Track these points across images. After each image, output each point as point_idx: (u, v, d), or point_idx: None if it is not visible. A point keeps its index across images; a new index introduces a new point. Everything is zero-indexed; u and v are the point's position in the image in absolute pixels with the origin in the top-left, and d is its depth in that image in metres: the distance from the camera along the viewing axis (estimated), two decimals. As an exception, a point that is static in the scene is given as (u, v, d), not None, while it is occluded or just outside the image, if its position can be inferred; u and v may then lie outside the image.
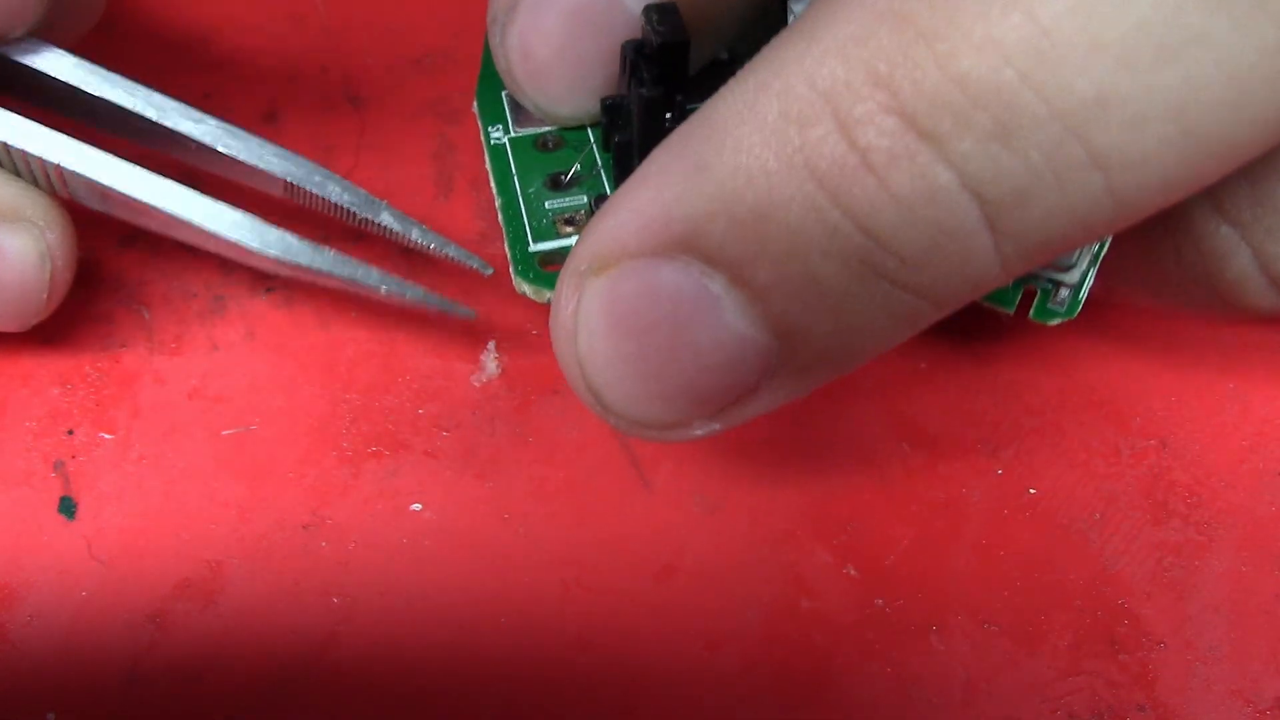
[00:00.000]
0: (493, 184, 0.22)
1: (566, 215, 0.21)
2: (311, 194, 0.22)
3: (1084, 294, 0.18)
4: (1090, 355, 0.24)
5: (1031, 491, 0.22)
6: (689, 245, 0.15)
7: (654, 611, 0.21)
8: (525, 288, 0.20)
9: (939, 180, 0.14)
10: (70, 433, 0.22)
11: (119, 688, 0.20)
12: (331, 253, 0.22)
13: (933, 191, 0.14)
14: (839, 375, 0.17)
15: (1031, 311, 0.18)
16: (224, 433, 0.22)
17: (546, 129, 0.22)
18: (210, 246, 0.22)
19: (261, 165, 0.22)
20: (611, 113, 0.21)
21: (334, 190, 0.22)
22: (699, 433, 0.17)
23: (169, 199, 0.21)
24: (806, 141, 0.14)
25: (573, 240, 0.20)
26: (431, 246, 0.22)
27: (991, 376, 0.24)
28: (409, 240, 0.22)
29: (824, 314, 0.15)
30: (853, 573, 0.21)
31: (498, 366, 0.23)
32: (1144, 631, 0.21)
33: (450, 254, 0.22)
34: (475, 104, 0.23)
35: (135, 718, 0.20)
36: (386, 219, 0.22)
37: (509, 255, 0.21)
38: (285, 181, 0.22)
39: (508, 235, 0.21)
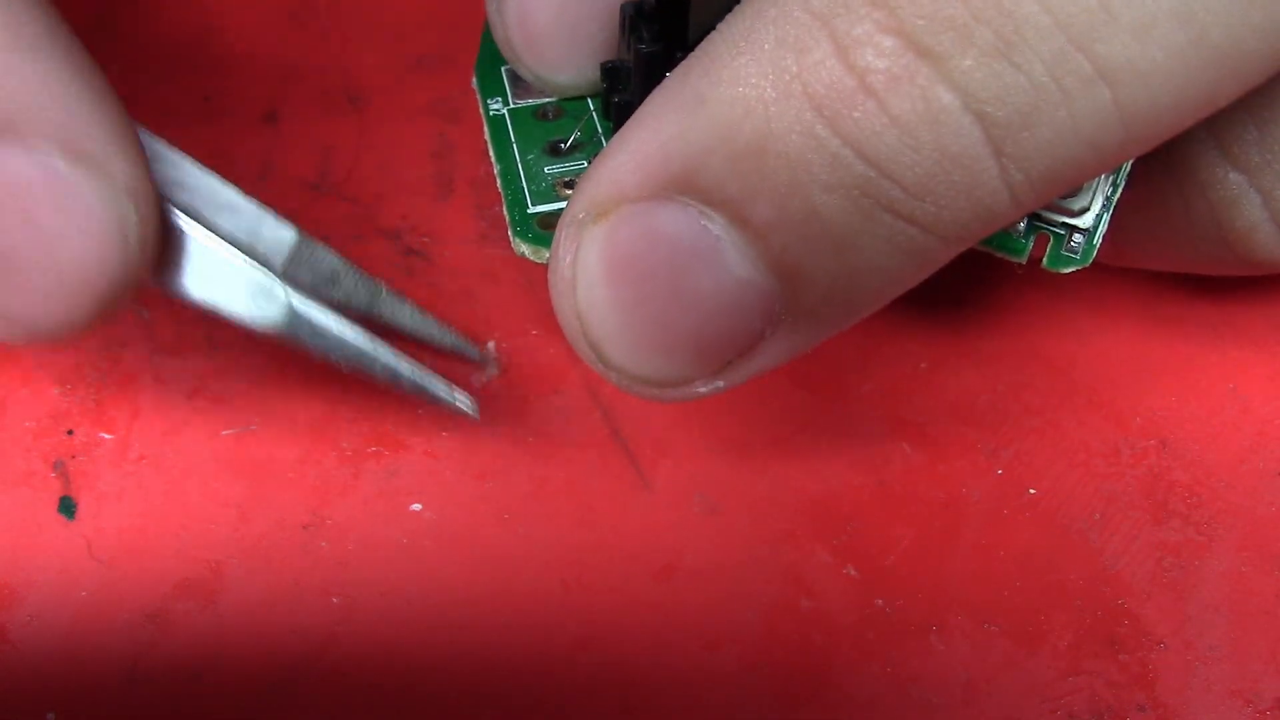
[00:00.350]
0: (491, 154, 0.21)
1: (566, 179, 0.21)
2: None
3: (1098, 239, 0.17)
4: (1091, 355, 0.24)
5: (1031, 491, 0.22)
6: (687, 184, 0.15)
7: (654, 611, 0.21)
8: (524, 248, 0.20)
9: (941, 101, 0.13)
10: (70, 433, 0.22)
11: (119, 688, 0.20)
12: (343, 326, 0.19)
13: (934, 114, 0.14)
14: (845, 324, 0.16)
15: (1045, 259, 0.18)
16: (224, 433, 0.22)
17: (546, 100, 0.22)
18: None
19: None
20: (611, 76, 0.21)
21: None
22: (702, 390, 0.17)
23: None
24: (804, 67, 0.14)
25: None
26: (430, 334, 0.21)
27: (991, 377, 0.24)
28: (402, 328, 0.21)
29: (827, 252, 0.15)
30: (853, 573, 0.21)
31: (498, 366, 0.23)
32: (1144, 631, 0.21)
33: (447, 343, 0.21)
34: (474, 79, 0.23)
35: (135, 718, 0.20)
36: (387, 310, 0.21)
37: (507, 218, 0.20)
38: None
39: (506, 199, 0.20)
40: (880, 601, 0.21)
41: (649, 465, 0.22)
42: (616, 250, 0.15)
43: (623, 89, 0.20)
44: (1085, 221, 0.17)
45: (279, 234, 0.19)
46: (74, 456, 0.22)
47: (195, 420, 0.23)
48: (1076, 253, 0.18)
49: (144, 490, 0.22)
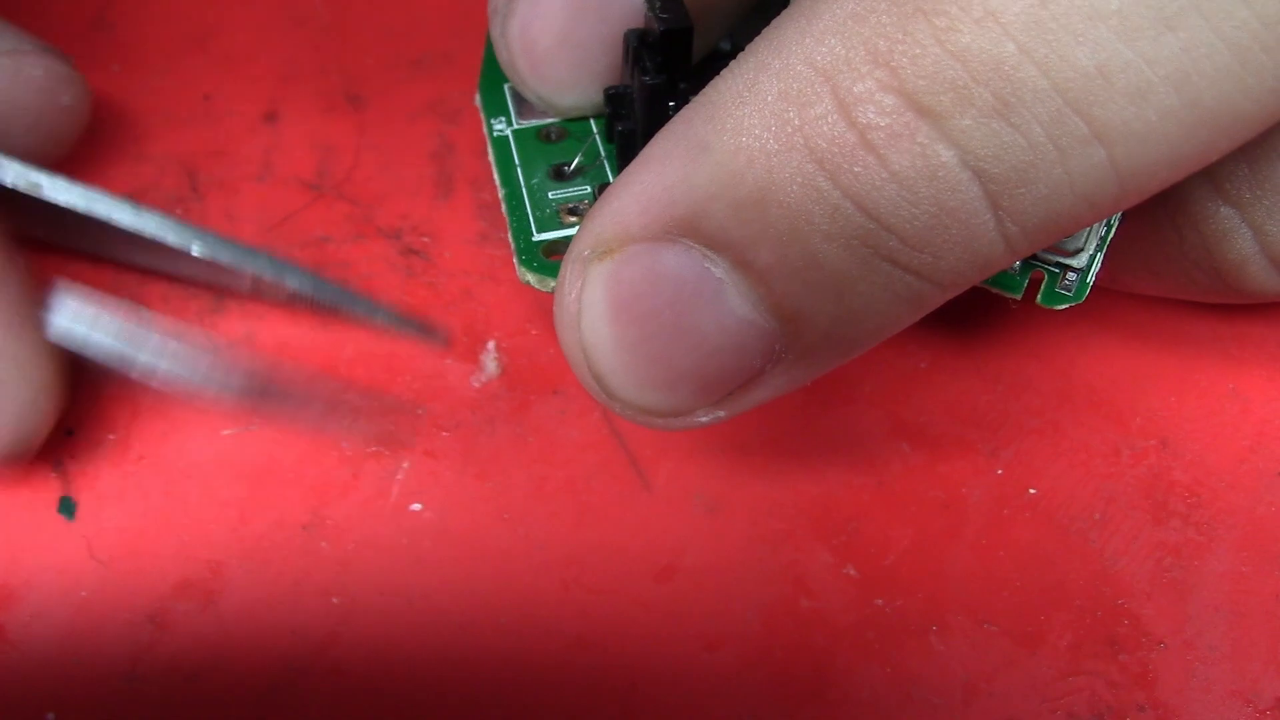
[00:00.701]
0: (496, 176, 0.22)
1: (570, 205, 0.21)
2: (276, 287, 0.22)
3: (1092, 278, 0.18)
4: (1090, 355, 0.24)
5: (1031, 491, 0.22)
6: (691, 228, 0.15)
7: (654, 611, 0.21)
8: (529, 277, 0.20)
9: (940, 158, 0.14)
10: (70, 433, 0.22)
11: (119, 688, 0.20)
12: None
13: (933, 170, 0.14)
14: (844, 360, 0.17)
15: (1039, 296, 0.18)
16: (224, 433, 0.22)
17: (550, 120, 0.22)
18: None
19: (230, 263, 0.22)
20: (615, 102, 0.21)
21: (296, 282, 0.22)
22: (704, 420, 0.17)
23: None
24: (806, 121, 0.14)
25: (576, 229, 0.20)
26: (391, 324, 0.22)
27: (991, 377, 0.24)
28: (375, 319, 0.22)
29: (827, 296, 0.15)
30: (853, 573, 0.21)
31: (498, 366, 0.23)
32: (1144, 631, 0.21)
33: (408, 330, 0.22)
34: (478, 97, 0.23)
35: (135, 718, 0.20)
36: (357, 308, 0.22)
37: (512, 245, 0.21)
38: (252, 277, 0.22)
39: (511, 225, 0.21)
40: (880, 601, 0.21)
41: (649, 465, 0.22)
42: (621, 288, 0.16)
43: (626, 116, 0.21)
44: (1079, 262, 0.18)
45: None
46: (74, 456, 0.22)
47: (195, 420, 0.23)
48: (1070, 291, 0.18)
49: (144, 490, 0.22)
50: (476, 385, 0.23)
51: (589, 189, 0.21)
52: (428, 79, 0.26)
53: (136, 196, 0.25)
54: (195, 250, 0.21)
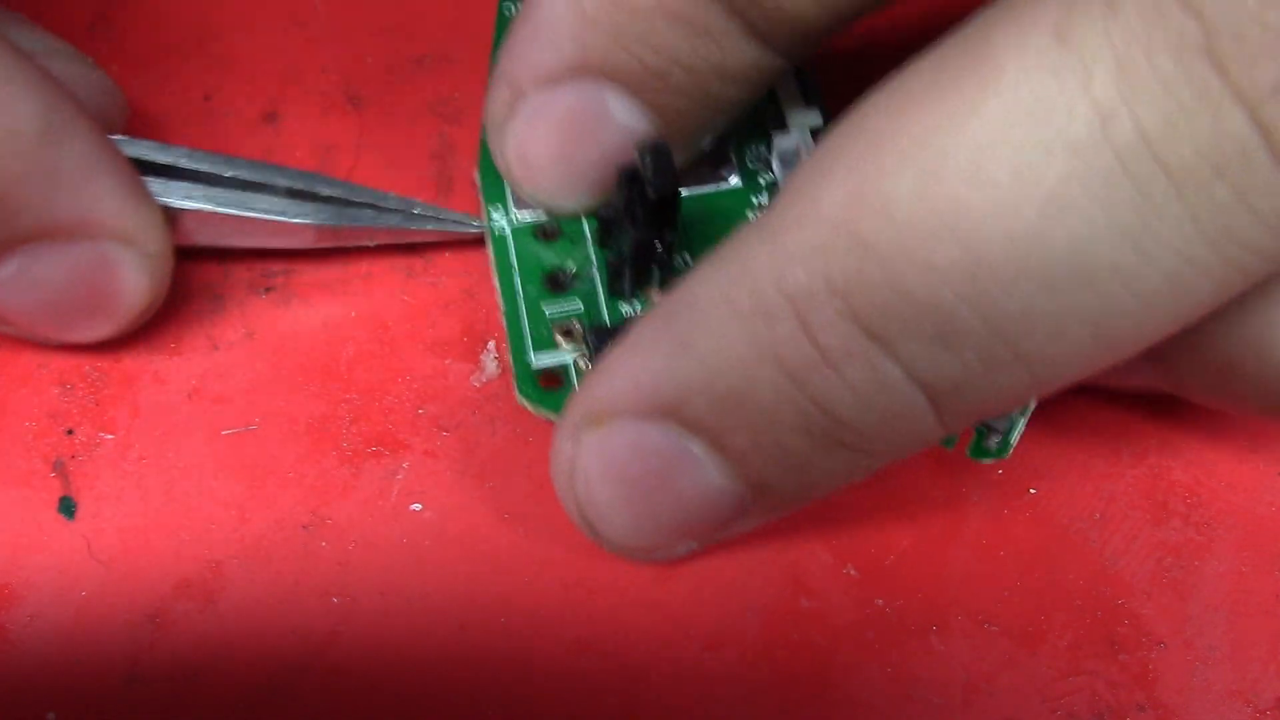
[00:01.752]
0: (495, 278, 0.23)
1: (564, 325, 0.22)
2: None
3: (1014, 438, 0.20)
4: (1090, 355, 0.24)
5: (1031, 491, 0.22)
6: (673, 412, 0.18)
7: (654, 611, 0.21)
8: (526, 404, 0.22)
9: (889, 374, 0.16)
10: (70, 433, 0.22)
11: (119, 688, 0.20)
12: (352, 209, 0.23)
13: (884, 383, 0.16)
14: (803, 506, 0.20)
15: (968, 450, 0.21)
16: (224, 433, 0.22)
17: (545, 219, 0.23)
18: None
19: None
20: (605, 225, 0.22)
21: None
22: (680, 552, 0.21)
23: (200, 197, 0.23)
24: (775, 338, 0.17)
25: (569, 356, 0.22)
26: (428, 219, 0.24)
27: (991, 376, 0.24)
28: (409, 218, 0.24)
29: (792, 472, 0.18)
30: (853, 573, 0.21)
31: (498, 366, 0.23)
32: (1144, 631, 0.21)
33: (446, 224, 0.24)
34: (477, 173, 0.24)
35: (135, 718, 0.20)
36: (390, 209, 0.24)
37: (511, 366, 0.22)
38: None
39: (510, 344, 0.22)
40: (880, 601, 0.21)
41: (649, 465, 0.22)
42: (609, 456, 0.19)
43: (615, 240, 0.22)
44: (1002, 425, 0.20)
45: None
46: (74, 456, 0.22)
47: (195, 420, 0.23)
48: (993, 449, 0.21)
49: (144, 490, 0.22)
50: (476, 385, 0.23)
51: (579, 304, 0.23)
52: (428, 79, 0.26)
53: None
54: (229, 172, 0.23)
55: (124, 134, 0.23)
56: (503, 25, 0.26)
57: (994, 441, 0.21)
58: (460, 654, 0.21)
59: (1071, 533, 0.22)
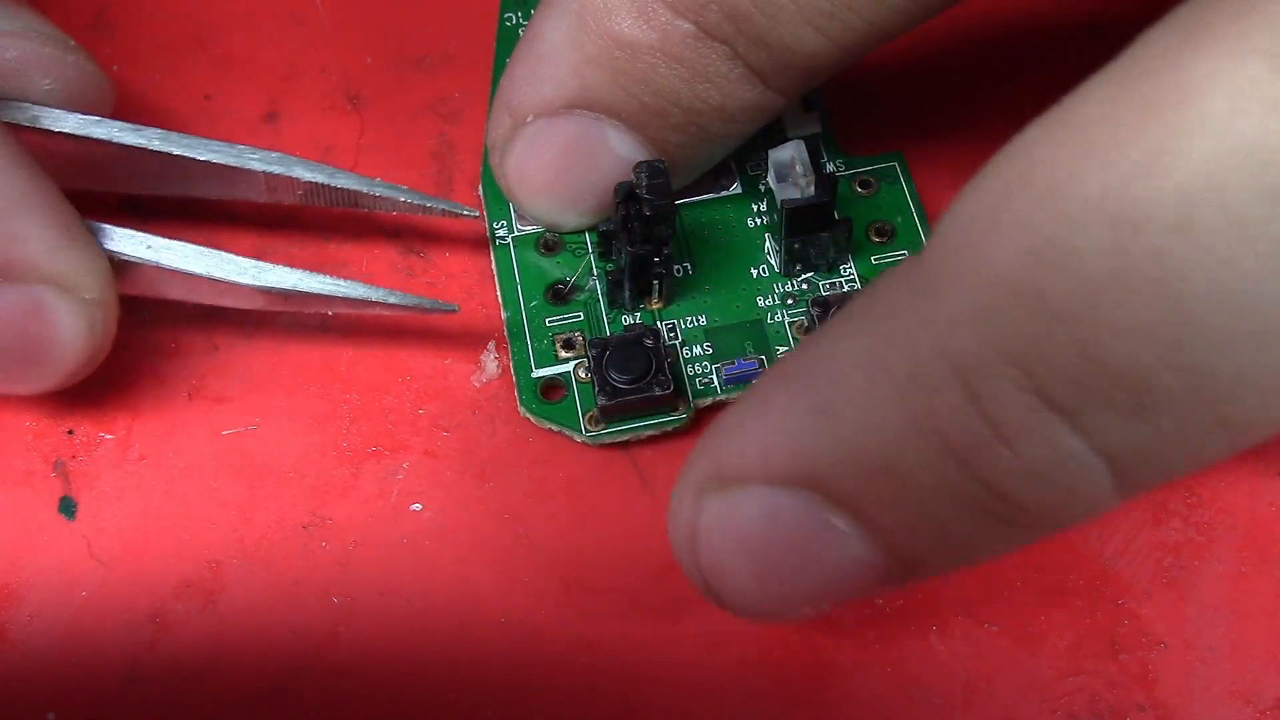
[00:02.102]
0: (498, 287, 0.23)
1: (565, 337, 0.23)
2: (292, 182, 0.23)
3: None
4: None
5: (1031, 491, 0.22)
6: (813, 484, 0.16)
7: (654, 611, 0.21)
8: (529, 416, 0.22)
9: (1072, 449, 0.14)
10: (70, 433, 0.22)
11: (119, 688, 0.20)
12: (319, 277, 0.22)
13: (1064, 458, 0.15)
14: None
15: None
16: (224, 433, 0.22)
17: (547, 231, 0.24)
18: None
19: (240, 164, 0.23)
20: (605, 239, 0.23)
21: (308, 175, 0.23)
22: (812, 614, 0.18)
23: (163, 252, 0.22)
24: (936, 409, 0.15)
25: (571, 365, 0.22)
26: (425, 205, 0.23)
27: (991, 376, 0.24)
28: (399, 205, 0.23)
29: (946, 548, 0.16)
30: (853, 573, 0.21)
31: (498, 366, 0.23)
32: (1144, 631, 0.21)
33: (440, 208, 0.23)
34: (480, 188, 0.25)
35: (135, 718, 0.20)
36: (379, 190, 0.23)
37: (514, 379, 0.22)
38: (265, 175, 0.23)
39: (512, 357, 0.23)
40: (880, 601, 0.21)
41: (649, 465, 0.22)
42: (740, 525, 0.17)
43: (616, 254, 0.22)
44: None
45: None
46: (74, 456, 0.22)
47: (195, 420, 0.23)
48: None
49: (144, 490, 0.22)
50: (476, 385, 0.23)
51: (582, 316, 0.23)
52: (428, 79, 0.26)
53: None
54: (202, 156, 0.22)
55: (113, 118, 0.23)
56: (503, 35, 0.26)
57: None
58: (460, 654, 0.21)
59: (1071, 533, 0.22)
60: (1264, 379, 0.14)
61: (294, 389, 0.23)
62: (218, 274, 0.21)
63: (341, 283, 0.22)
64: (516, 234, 0.24)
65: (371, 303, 0.22)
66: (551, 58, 0.21)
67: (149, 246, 0.21)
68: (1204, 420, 0.14)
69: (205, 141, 0.23)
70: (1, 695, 0.20)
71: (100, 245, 0.21)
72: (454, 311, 0.22)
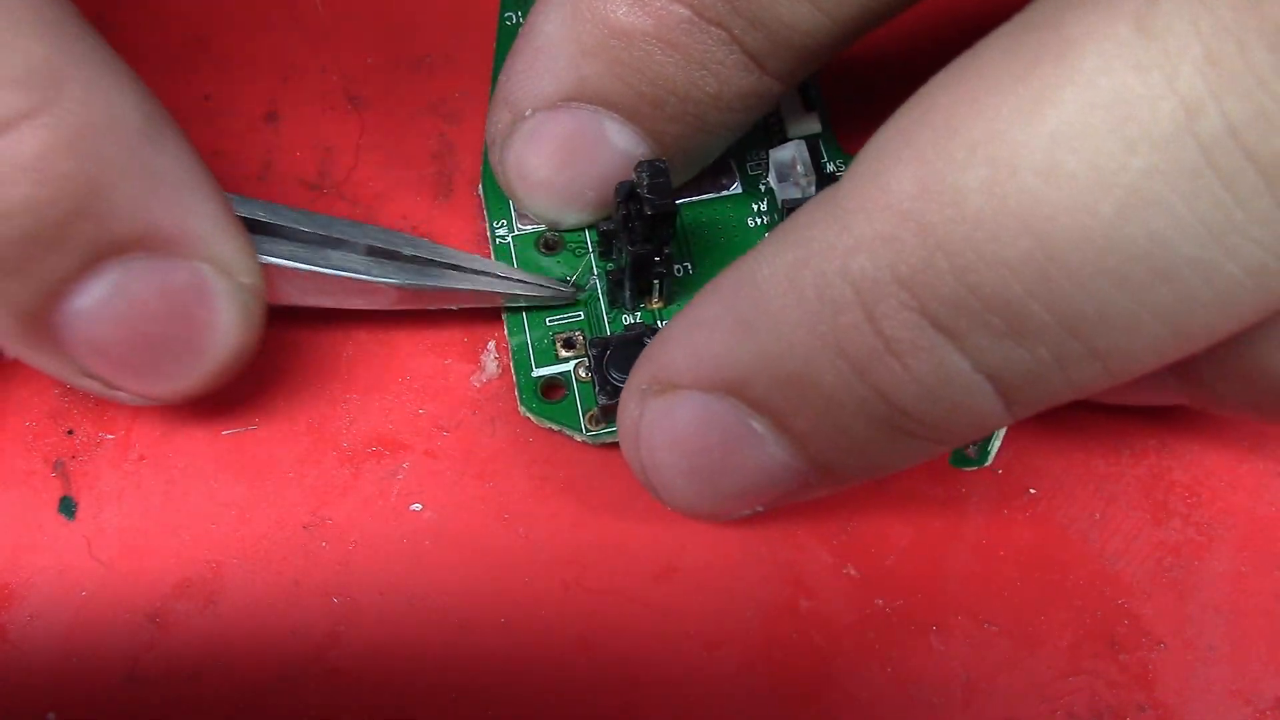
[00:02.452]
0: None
1: (565, 336, 0.23)
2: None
3: (994, 446, 0.21)
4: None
5: (1031, 491, 0.22)
6: (736, 391, 0.18)
7: (654, 612, 0.21)
8: (530, 416, 0.22)
9: (957, 367, 0.16)
10: (70, 433, 0.22)
11: (119, 688, 0.20)
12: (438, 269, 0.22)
13: (950, 376, 0.16)
14: (864, 482, 0.20)
15: (949, 458, 0.22)
16: (224, 433, 0.22)
17: (546, 229, 0.24)
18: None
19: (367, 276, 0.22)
20: (606, 238, 0.23)
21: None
22: (744, 514, 0.20)
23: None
24: (838, 326, 0.16)
25: (570, 365, 0.22)
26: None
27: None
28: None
29: (854, 454, 0.18)
30: (853, 573, 0.21)
31: (498, 366, 0.23)
32: (1144, 631, 0.21)
33: (532, 287, 0.23)
34: (480, 187, 0.25)
35: (135, 718, 0.20)
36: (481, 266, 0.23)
37: (514, 379, 0.22)
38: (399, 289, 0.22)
39: (512, 357, 0.23)
40: (880, 601, 0.21)
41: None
42: (674, 425, 0.19)
43: (616, 253, 0.23)
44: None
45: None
46: (74, 456, 0.22)
47: (195, 420, 0.23)
48: (973, 458, 0.21)
49: (144, 490, 0.22)
50: (476, 385, 0.23)
51: (582, 315, 0.23)
52: (428, 79, 0.26)
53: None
54: (307, 228, 0.22)
55: None
56: (503, 34, 0.26)
57: (973, 449, 0.21)
58: (460, 654, 0.21)
59: (1071, 533, 0.22)
60: (1124, 316, 0.15)
61: (294, 389, 0.23)
62: (345, 271, 0.21)
63: (469, 257, 0.22)
64: (517, 233, 0.24)
65: (496, 290, 0.22)
66: (548, 50, 0.21)
67: (268, 252, 0.21)
68: (1075, 350, 0.15)
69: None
70: (1, 695, 0.20)
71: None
72: (582, 292, 0.23)
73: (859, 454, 0.18)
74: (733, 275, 0.18)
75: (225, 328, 0.20)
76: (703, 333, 0.18)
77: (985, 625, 0.21)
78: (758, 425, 0.18)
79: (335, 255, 0.22)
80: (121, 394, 0.20)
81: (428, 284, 0.22)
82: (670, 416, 0.19)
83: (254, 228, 0.21)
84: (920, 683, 0.20)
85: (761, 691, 0.20)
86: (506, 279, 0.22)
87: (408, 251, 0.22)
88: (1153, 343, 0.15)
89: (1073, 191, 0.14)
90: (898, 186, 0.16)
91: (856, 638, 0.21)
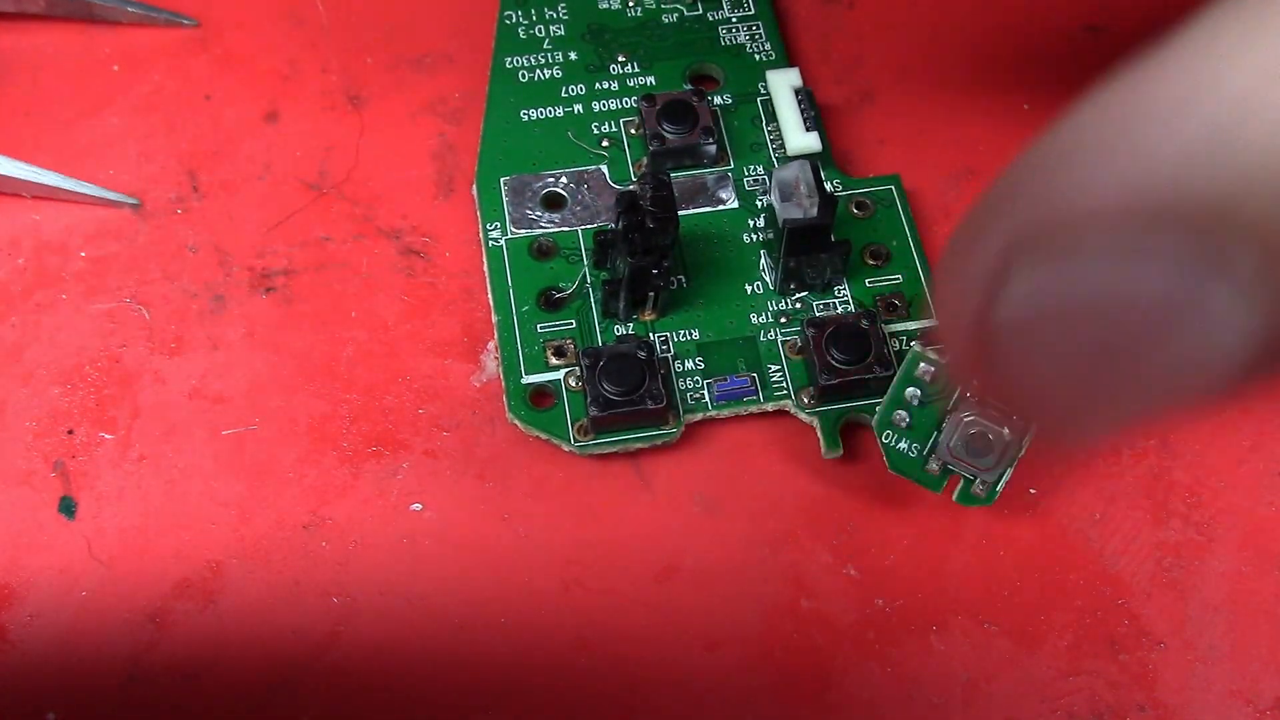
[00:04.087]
0: (489, 291, 0.23)
1: (556, 344, 0.23)
2: None
3: (1000, 488, 0.21)
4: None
5: (1031, 491, 0.22)
6: (1200, 227, 0.11)
7: (654, 611, 0.21)
8: (517, 423, 0.22)
9: None
10: (70, 433, 0.22)
11: (119, 688, 0.20)
12: None
13: None
14: None
15: (955, 495, 0.21)
16: (224, 433, 0.22)
17: (540, 232, 0.24)
18: None
19: None
20: (602, 248, 0.23)
21: None
22: (1143, 424, 0.14)
23: None
24: None
25: (561, 374, 0.22)
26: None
27: (991, 376, 0.24)
28: None
29: None
30: (853, 573, 0.21)
31: (497, 366, 0.23)
32: (1144, 631, 0.21)
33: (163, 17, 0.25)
34: (474, 187, 0.24)
35: (135, 718, 0.20)
36: None
37: (503, 385, 0.22)
38: None
39: (502, 361, 0.22)
40: (880, 601, 0.21)
41: (649, 465, 0.22)
42: (1082, 288, 0.12)
43: (612, 262, 0.22)
44: (991, 476, 0.21)
45: None
46: (74, 456, 0.22)
47: (195, 420, 0.23)
48: (982, 495, 0.21)
49: (144, 490, 0.22)
50: (476, 385, 0.23)
51: (574, 323, 0.23)
52: (428, 79, 0.26)
53: (136, 196, 0.25)
54: None
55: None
56: (503, 34, 0.26)
57: (981, 488, 0.21)
58: (460, 654, 0.21)
59: (1071, 533, 0.22)
60: None
61: (294, 389, 0.23)
62: None
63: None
64: (510, 236, 0.24)
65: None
66: None
67: None
68: None
69: None
70: (1, 695, 0.20)
71: None
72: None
73: None
74: (1164, 88, 0.11)
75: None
76: (1131, 155, 0.11)
77: (985, 625, 0.21)
78: (1225, 275, 0.11)
79: None
80: None
81: None
82: (1073, 280, 0.12)
83: None
84: (920, 683, 0.20)
85: (761, 691, 0.20)
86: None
87: None
88: None
89: None
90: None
91: (856, 638, 0.21)
